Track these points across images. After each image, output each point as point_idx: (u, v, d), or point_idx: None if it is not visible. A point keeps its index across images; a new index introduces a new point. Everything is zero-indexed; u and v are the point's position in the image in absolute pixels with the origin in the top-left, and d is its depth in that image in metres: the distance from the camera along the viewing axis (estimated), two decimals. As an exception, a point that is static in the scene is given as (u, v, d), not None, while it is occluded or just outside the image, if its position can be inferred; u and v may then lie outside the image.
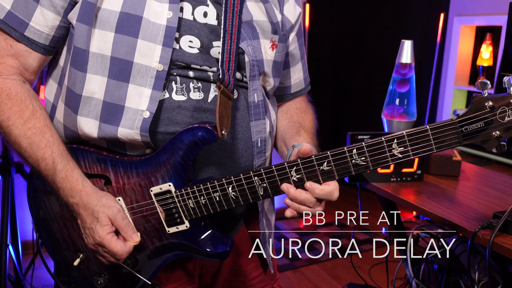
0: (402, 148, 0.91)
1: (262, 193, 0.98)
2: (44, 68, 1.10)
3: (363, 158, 0.93)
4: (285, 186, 0.96)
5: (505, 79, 0.86)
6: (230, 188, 0.98)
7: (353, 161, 0.93)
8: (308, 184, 0.95)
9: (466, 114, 0.89)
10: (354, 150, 0.93)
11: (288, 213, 0.99)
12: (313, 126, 1.26)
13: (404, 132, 0.90)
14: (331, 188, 0.95)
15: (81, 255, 1.10)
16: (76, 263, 1.09)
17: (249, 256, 1.26)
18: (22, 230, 2.98)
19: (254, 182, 0.97)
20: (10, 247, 2.38)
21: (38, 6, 0.96)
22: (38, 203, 1.13)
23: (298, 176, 0.96)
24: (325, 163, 0.94)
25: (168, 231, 1.04)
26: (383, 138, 0.91)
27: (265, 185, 0.97)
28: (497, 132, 0.88)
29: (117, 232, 0.99)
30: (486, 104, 0.87)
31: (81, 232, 1.04)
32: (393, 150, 0.91)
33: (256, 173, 0.96)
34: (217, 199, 1.00)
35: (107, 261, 1.01)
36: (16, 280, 2.49)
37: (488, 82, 0.87)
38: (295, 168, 0.95)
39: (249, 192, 0.98)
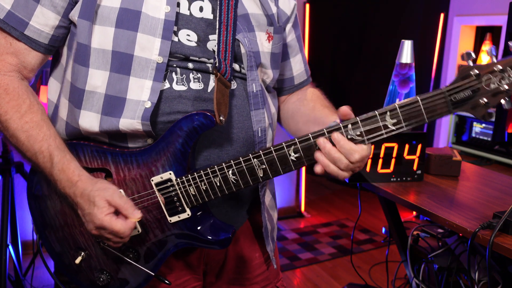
0: (395, 120, 0.93)
1: (261, 175, 0.99)
2: (45, 68, 1.11)
3: (358, 132, 0.95)
4: (321, 141, 0.95)
5: (487, 48, 0.90)
6: (230, 172, 1.00)
7: (348, 136, 0.95)
8: (335, 135, 0.95)
9: (454, 83, 0.92)
10: (349, 125, 0.95)
11: (318, 169, 0.98)
12: None
13: (396, 105, 0.93)
14: (359, 148, 0.95)
15: (82, 253, 1.10)
16: (77, 261, 1.09)
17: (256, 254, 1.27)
18: (22, 230, 2.98)
19: (254, 165, 0.99)
20: (10, 247, 2.38)
21: (38, 5, 0.99)
22: (38, 202, 1.14)
23: (296, 155, 0.97)
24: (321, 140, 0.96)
25: (170, 220, 1.04)
26: (376, 111, 0.94)
27: (264, 166, 0.99)
28: (485, 99, 0.91)
29: (117, 213, 1.00)
30: (471, 72, 0.90)
31: (82, 227, 1.05)
32: (386, 123, 0.94)
33: (255, 155, 0.98)
34: (218, 184, 1.01)
35: (113, 243, 1.01)
36: (16, 280, 2.49)
37: (472, 53, 0.91)
38: (293, 147, 0.97)
39: (248, 174, 1.00)
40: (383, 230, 2.09)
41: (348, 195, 4.65)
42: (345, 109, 0.96)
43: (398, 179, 1.61)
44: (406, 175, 1.61)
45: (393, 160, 1.60)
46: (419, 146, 1.60)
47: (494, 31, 3.65)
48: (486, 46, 3.64)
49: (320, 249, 3.50)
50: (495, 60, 0.89)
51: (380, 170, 1.60)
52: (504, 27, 3.28)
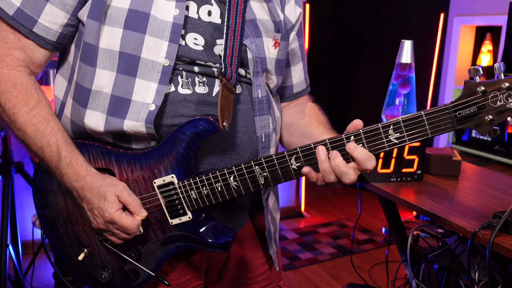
0: (398, 134, 0.93)
1: (262, 182, 1.00)
2: (45, 68, 1.11)
3: (361, 144, 0.95)
4: (334, 153, 0.94)
5: (496, 65, 0.89)
6: (231, 178, 1.01)
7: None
8: (352, 145, 0.94)
9: (459, 99, 0.91)
10: (352, 137, 0.95)
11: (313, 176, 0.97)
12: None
13: (400, 119, 0.93)
14: (371, 155, 0.95)
15: (85, 250, 1.11)
16: (80, 257, 1.10)
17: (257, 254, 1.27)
18: (22, 230, 2.99)
19: (255, 171, 0.99)
20: (10, 247, 2.38)
21: (48, 3, 0.99)
22: (43, 197, 1.14)
23: (298, 164, 0.98)
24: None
25: (171, 222, 1.05)
26: (379, 124, 0.94)
27: (265, 174, 0.99)
28: (490, 116, 0.90)
29: (124, 209, 1.01)
30: (478, 89, 0.89)
31: (85, 224, 1.06)
32: (389, 136, 0.94)
33: (257, 162, 0.99)
34: (219, 189, 1.02)
35: (118, 239, 1.02)
36: (16, 280, 2.49)
37: (480, 69, 0.90)
38: (294, 156, 0.97)
39: (250, 181, 1.00)
40: (383, 230, 2.09)
41: (348, 195, 4.65)
42: (358, 123, 0.95)
43: (398, 179, 1.61)
44: (406, 175, 1.61)
45: (393, 160, 1.60)
46: (419, 146, 1.60)
47: (494, 31, 3.65)
48: (486, 46, 3.64)
49: (320, 249, 3.50)
50: (502, 77, 0.89)
51: (380, 170, 1.60)
52: (504, 27, 3.28)
